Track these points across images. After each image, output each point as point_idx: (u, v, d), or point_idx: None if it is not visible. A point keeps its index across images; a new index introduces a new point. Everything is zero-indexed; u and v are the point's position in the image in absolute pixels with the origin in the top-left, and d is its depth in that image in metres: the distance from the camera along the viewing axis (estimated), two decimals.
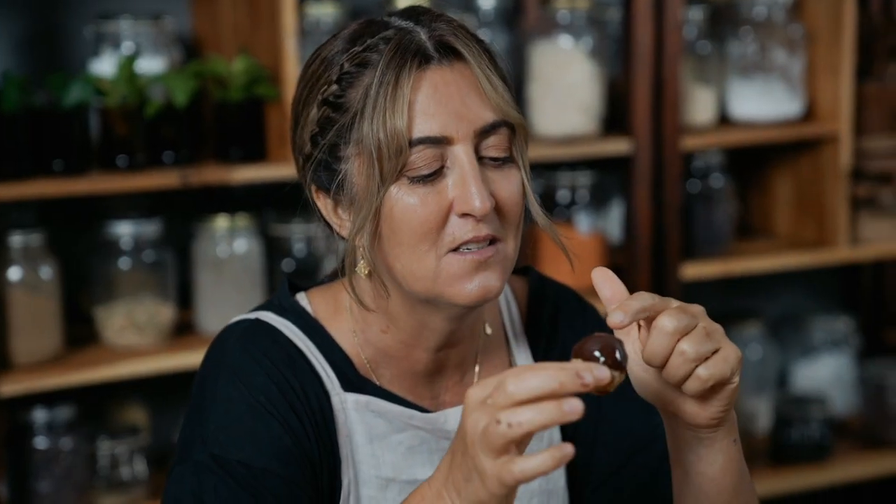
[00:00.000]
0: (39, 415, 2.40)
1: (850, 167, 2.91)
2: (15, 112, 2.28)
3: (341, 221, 1.34)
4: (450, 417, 1.40)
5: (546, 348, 1.49)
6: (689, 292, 2.91)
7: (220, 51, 2.57)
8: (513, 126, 1.31)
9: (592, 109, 2.72)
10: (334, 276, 1.45)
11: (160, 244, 2.49)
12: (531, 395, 1.06)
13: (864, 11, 3.11)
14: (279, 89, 2.43)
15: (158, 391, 2.62)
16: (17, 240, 2.34)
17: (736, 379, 1.22)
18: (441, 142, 1.27)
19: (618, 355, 1.14)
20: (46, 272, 2.37)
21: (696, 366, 1.20)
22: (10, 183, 2.27)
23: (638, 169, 2.73)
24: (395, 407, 1.38)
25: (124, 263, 2.47)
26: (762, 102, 2.89)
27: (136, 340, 2.44)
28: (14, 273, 2.34)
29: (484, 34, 2.87)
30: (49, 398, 2.41)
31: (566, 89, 2.70)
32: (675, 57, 2.71)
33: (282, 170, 2.43)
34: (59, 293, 2.39)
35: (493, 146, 1.29)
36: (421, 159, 1.28)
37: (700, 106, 2.86)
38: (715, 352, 1.21)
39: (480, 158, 1.29)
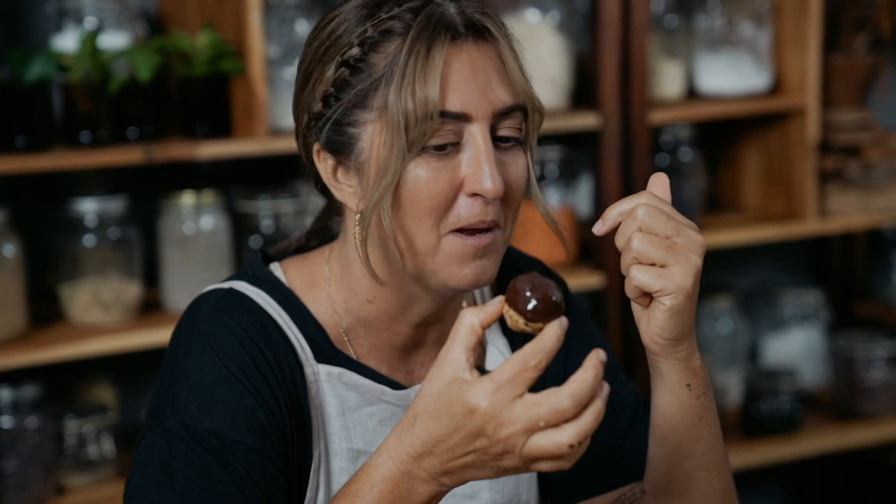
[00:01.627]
0: (4, 394, 2.38)
1: (817, 140, 2.91)
2: None
3: (339, 185, 1.34)
4: (414, 394, 1.39)
5: None
6: None
7: (185, 26, 2.55)
8: (525, 111, 1.32)
9: (560, 84, 2.71)
10: (302, 248, 1.45)
11: (125, 221, 2.47)
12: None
13: None
14: (244, 64, 2.41)
15: (126, 370, 2.61)
16: None
17: (667, 301, 1.24)
18: (461, 118, 1.28)
19: (553, 298, 1.16)
20: (9, 250, 2.35)
21: (636, 263, 1.24)
22: None
23: (606, 143, 2.72)
24: (366, 381, 1.38)
25: (89, 241, 2.45)
26: (730, 76, 2.89)
27: (102, 318, 2.42)
28: None
29: None
30: (15, 377, 2.39)
31: (533, 63, 2.62)
32: (642, 31, 2.70)
33: (247, 145, 2.41)
34: (23, 271, 2.37)
35: (508, 127, 1.30)
36: (440, 133, 1.28)
37: (668, 80, 2.86)
38: (664, 265, 1.23)
39: (494, 139, 1.30)
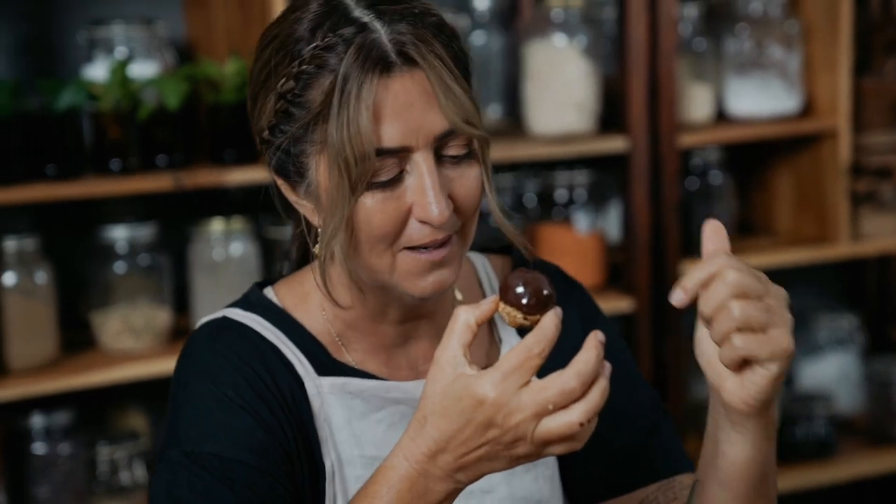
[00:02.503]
0: (37, 420, 2.40)
1: (849, 162, 2.89)
2: (7, 117, 2.28)
3: (300, 201, 1.34)
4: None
5: None
6: None
7: (213, 54, 2.58)
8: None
9: (588, 107, 2.71)
10: (297, 267, 1.46)
11: (155, 248, 2.49)
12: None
13: (862, 6, 3.10)
14: None
15: (158, 396, 2.60)
16: (11, 245, 2.35)
17: (773, 368, 1.18)
18: (401, 151, 1.27)
19: (545, 291, 1.19)
20: (41, 277, 2.38)
21: (737, 331, 1.16)
22: (3, 188, 2.27)
23: (635, 167, 2.72)
24: (371, 382, 1.38)
25: (120, 268, 2.47)
26: (760, 99, 2.88)
27: (133, 345, 2.44)
28: (8, 278, 2.35)
29: (479, 35, 2.88)
30: (47, 404, 2.41)
31: (561, 87, 2.69)
32: (670, 54, 2.70)
33: None
34: (54, 298, 2.40)
35: (453, 146, 1.29)
36: (381, 167, 1.27)
37: (697, 103, 2.85)
38: (764, 330, 1.17)
39: (440, 157, 1.29)
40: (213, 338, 1.37)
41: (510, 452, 1.17)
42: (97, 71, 2.42)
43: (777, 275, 3.26)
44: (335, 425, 1.36)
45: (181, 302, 2.56)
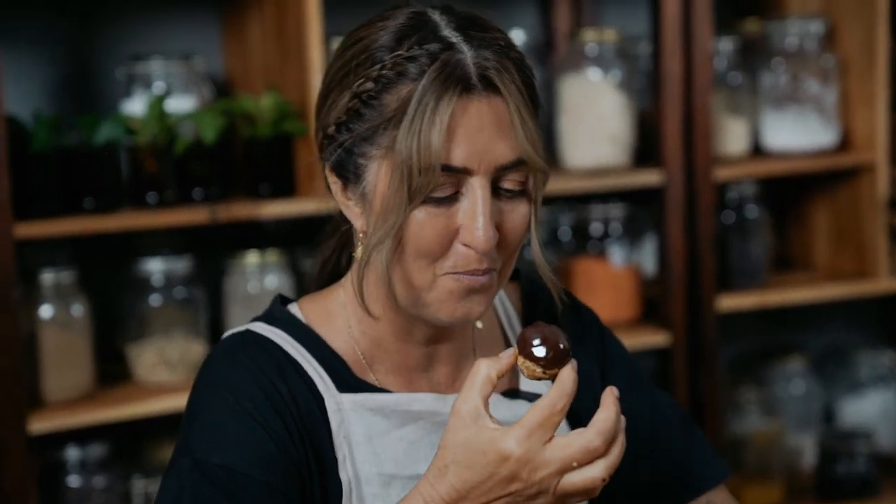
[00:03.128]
0: (72, 452, 2.41)
1: (887, 197, 2.87)
2: (45, 151, 2.31)
3: (348, 203, 1.36)
4: (449, 401, 1.41)
5: None
6: (726, 325, 2.88)
7: (250, 88, 2.60)
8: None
9: (623, 141, 2.71)
10: (321, 287, 1.48)
11: (191, 281, 2.51)
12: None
13: None
14: (307, 125, 2.44)
15: None
16: (48, 277, 2.37)
17: None
18: (462, 171, 1.28)
19: (561, 346, 1.25)
20: (78, 309, 2.39)
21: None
22: (41, 221, 2.29)
23: (670, 200, 2.71)
24: (393, 396, 1.39)
25: (155, 300, 2.49)
26: (796, 133, 2.87)
27: (168, 377, 2.45)
28: (45, 311, 2.36)
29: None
30: (82, 436, 2.42)
31: (596, 121, 2.69)
32: (705, 88, 2.70)
33: (311, 204, 2.44)
34: (90, 330, 2.41)
35: (511, 180, 1.31)
36: (440, 183, 1.28)
37: (733, 137, 2.84)
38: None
39: (496, 189, 1.31)
40: (235, 350, 1.38)
41: (530, 503, 1.23)
42: (136, 106, 2.44)
43: (816, 310, 3.27)
44: (354, 442, 1.37)
45: (216, 335, 2.57)
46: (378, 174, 1.30)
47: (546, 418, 1.20)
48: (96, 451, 2.43)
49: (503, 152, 1.29)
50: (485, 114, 1.28)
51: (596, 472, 1.20)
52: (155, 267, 2.48)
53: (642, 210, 2.88)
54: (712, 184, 2.73)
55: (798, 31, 2.89)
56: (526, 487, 1.21)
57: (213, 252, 2.60)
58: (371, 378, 1.41)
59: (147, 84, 2.46)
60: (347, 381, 1.39)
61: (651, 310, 2.81)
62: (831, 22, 2.92)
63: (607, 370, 1.54)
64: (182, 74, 2.48)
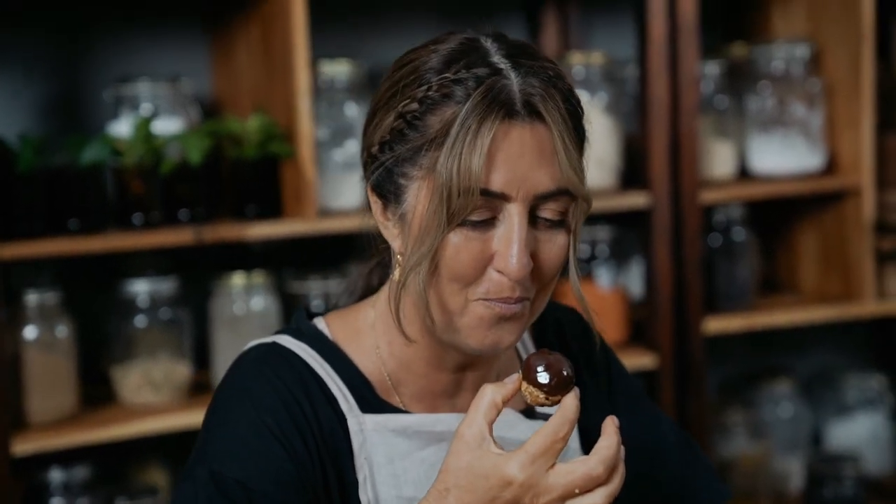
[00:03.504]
0: (56, 475, 2.40)
1: (873, 220, 2.88)
2: (30, 172, 2.30)
3: (387, 223, 1.36)
4: None
5: None
6: (713, 347, 2.88)
7: (238, 109, 2.60)
8: (571, 194, 1.31)
9: (609, 164, 2.72)
10: (351, 301, 1.49)
11: (176, 302, 2.50)
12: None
13: (886, 64, 3.10)
14: (293, 147, 2.44)
15: (178, 452, 2.61)
16: (32, 298, 2.36)
17: None
18: (500, 197, 1.28)
19: (565, 373, 1.26)
20: (62, 331, 2.39)
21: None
22: (26, 242, 2.29)
23: (657, 223, 2.72)
24: (416, 417, 1.39)
25: (140, 322, 2.48)
26: (783, 156, 2.88)
27: (153, 399, 2.44)
28: (30, 332, 2.36)
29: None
30: (66, 458, 2.41)
31: None
32: (691, 112, 2.71)
33: (297, 226, 2.44)
34: (75, 352, 2.41)
35: (550, 209, 1.30)
36: (478, 207, 1.28)
37: (719, 160, 2.85)
38: None
39: (534, 218, 1.30)
40: (261, 361, 1.38)
41: None
42: (122, 127, 2.44)
43: (803, 333, 3.27)
44: (376, 464, 1.37)
45: (202, 356, 2.57)
46: (418, 196, 1.30)
47: (549, 445, 1.22)
48: (80, 473, 2.42)
49: (543, 181, 1.28)
50: (527, 141, 1.28)
51: (597, 500, 1.22)
52: (140, 288, 2.48)
53: (629, 232, 2.88)
54: (699, 207, 2.74)
55: (784, 55, 2.90)
56: None
57: (198, 273, 2.60)
58: (395, 400, 1.40)
59: (134, 106, 2.47)
60: (371, 401, 1.39)
61: (638, 332, 2.81)
62: (817, 46, 2.94)
63: (612, 395, 1.55)
64: (169, 96, 2.48)
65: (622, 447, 1.25)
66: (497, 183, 1.27)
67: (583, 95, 2.68)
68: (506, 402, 1.25)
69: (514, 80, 1.29)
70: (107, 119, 2.50)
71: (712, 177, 2.83)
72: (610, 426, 1.25)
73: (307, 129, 2.43)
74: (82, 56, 2.64)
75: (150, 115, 2.42)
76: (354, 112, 2.55)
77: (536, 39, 2.97)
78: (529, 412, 1.45)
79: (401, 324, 1.35)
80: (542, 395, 1.25)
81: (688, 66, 2.70)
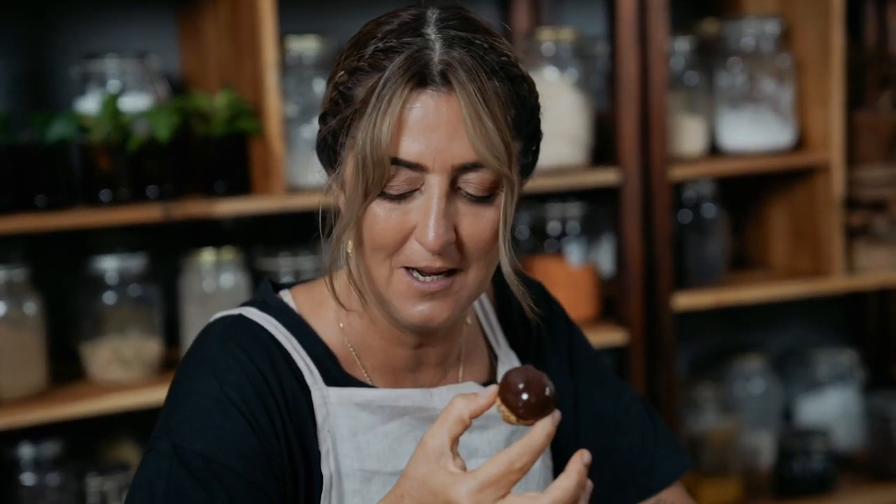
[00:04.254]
0: (26, 451, 2.40)
1: (843, 196, 2.89)
2: None
3: (339, 196, 1.35)
4: (435, 396, 1.41)
5: (523, 339, 1.53)
6: (683, 323, 2.90)
7: (206, 86, 2.60)
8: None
9: (580, 140, 2.72)
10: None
11: (146, 279, 2.50)
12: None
13: (856, 41, 3.11)
14: (262, 123, 2.44)
15: (148, 428, 2.59)
16: (0, 275, 2.35)
17: None
18: (416, 168, 1.27)
19: (547, 392, 1.17)
20: (30, 307, 2.39)
21: None
22: None
23: (627, 199, 2.72)
24: (379, 391, 1.39)
25: (109, 298, 2.48)
26: (752, 132, 2.89)
27: (122, 376, 2.44)
28: None
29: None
30: (36, 434, 2.41)
31: (552, 120, 2.69)
32: (661, 88, 2.71)
33: (265, 202, 2.44)
34: (44, 329, 2.41)
35: (473, 183, 1.28)
36: (396, 179, 1.28)
37: (689, 136, 2.86)
38: None
39: (457, 188, 1.29)
40: (227, 334, 1.37)
41: None
42: (90, 104, 2.44)
43: (773, 309, 3.28)
44: (339, 437, 1.36)
45: (171, 333, 2.57)
46: (348, 168, 1.31)
47: (503, 475, 1.16)
48: (50, 449, 2.42)
49: (460, 152, 1.27)
50: (443, 111, 1.26)
51: None
52: (109, 265, 2.48)
53: (600, 209, 2.89)
54: (669, 183, 2.75)
55: (754, 31, 2.90)
56: None
57: (167, 250, 2.60)
58: (359, 373, 1.40)
59: (102, 82, 2.46)
60: (335, 374, 1.38)
61: (608, 308, 2.82)
62: (787, 22, 2.94)
63: (574, 366, 1.55)
64: (137, 73, 2.48)
65: (589, 483, 1.19)
66: (410, 153, 1.26)
67: (553, 72, 2.72)
68: (475, 417, 1.20)
69: (436, 51, 1.27)
70: (74, 96, 2.50)
71: (682, 153, 2.84)
72: (576, 464, 1.18)
73: (275, 105, 2.43)
74: (49, 32, 2.63)
75: (118, 92, 2.41)
76: (323, 88, 2.53)
77: (507, 16, 2.97)
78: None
79: (336, 296, 1.35)
80: (513, 417, 1.18)
81: (657, 42, 2.70)
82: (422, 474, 1.19)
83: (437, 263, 1.29)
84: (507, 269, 1.31)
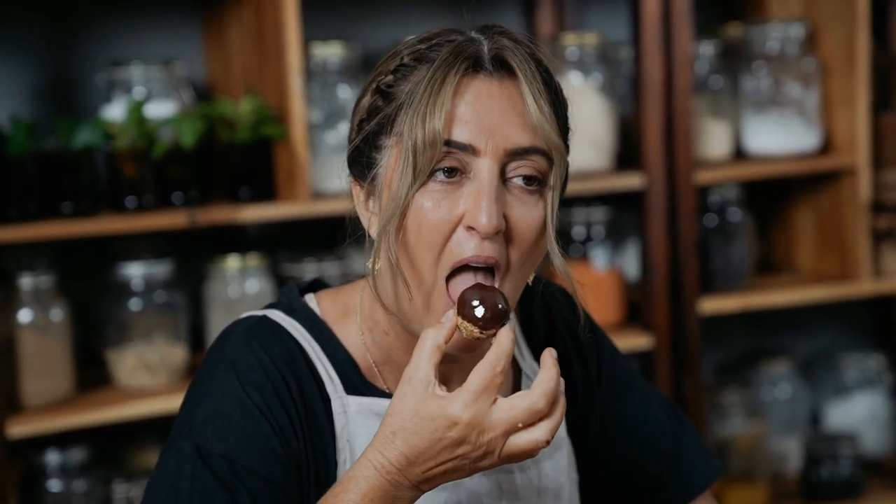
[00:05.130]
0: (52, 457, 2.41)
1: (869, 199, 2.88)
2: (22, 155, 2.31)
3: (370, 215, 1.34)
4: None
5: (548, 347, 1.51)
6: (709, 328, 2.89)
7: (231, 92, 2.61)
8: (548, 155, 1.28)
9: (604, 144, 2.72)
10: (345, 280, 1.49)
11: (171, 285, 2.51)
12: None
13: (881, 44, 3.10)
14: (286, 129, 2.44)
15: None
16: (26, 282, 2.37)
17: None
18: (467, 150, 1.26)
19: (500, 306, 1.24)
20: (56, 314, 2.40)
21: None
22: (19, 225, 2.29)
23: (652, 203, 2.71)
24: None
25: (135, 305, 2.49)
26: (778, 136, 2.88)
27: (148, 382, 2.45)
28: (24, 315, 2.37)
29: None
30: (62, 441, 2.42)
31: (577, 125, 2.69)
32: (685, 92, 2.70)
33: (290, 208, 2.44)
34: (70, 335, 2.41)
35: (523, 170, 1.28)
36: (446, 161, 1.27)
37: (714, 140, 2.85)
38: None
39: (507, 179, 1.28)
40: (250, 334, 1.37)
41: (476, 465, 1.23)
42: (115, 111, 2.45)
43: (800, 313, 3.26)
44: (357, 446, 1.36)
45: (197, 339, 2.58)
46: (389, 164, 1.29)
47: (489, 380, 1.22)
48: (76, 455, 2.42)
49: (513, 136, 1.26)
50: (496, 94, 1.27)
51: (539, 435, 1.22)
52: (135, 271, 2.48)
53: (625, 213, 2.88)
54: (694, 187, 2.73)
55: (779, 34, 2.89)
56: (473, 450, 1.22)
57: (193, 257, 2.61)
58: (380, 383, 1.40)
59: (127, 89, 2.47)
60: (356, 383, 1.38)
61: (634, 313, 2.81)
62: (812, 25, 2.93)
63: (602, 377, 1.54)
64: (162, 79, 2.48)
65: (562, 380, 1.25)
66: (463, 134, 1.26)
67: (577, 77, 2.72)
68: (448, 342, 1.24)
69: (484, 42, 1.29)
70: (100, 102, 2.51)
71: (707, 157, 2.83)
72: (548, 359, 1.24)
73: (300, 111, 2.43)
74: (75, 39, 2.64)
75: (143, 99, 2.42)
76: (347, 94, 2.55)
77: (531, 20, 2.97)
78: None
79: (382, 301, 1.34)
80: (476, 330, 1.24)
81: (682, 46, 2.69)
82: (412, 406, 1.22)
83: (486, 252, 1.26)
84: (558, 261, 1.32)
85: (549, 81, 1.31)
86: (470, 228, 1.27)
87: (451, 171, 1.27)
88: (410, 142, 1.25)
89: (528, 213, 1.29)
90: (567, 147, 1.35)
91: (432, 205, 1.27)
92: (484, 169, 1.26)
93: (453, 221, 1.28)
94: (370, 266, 1.33)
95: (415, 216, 1.28)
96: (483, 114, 1.26)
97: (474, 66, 1.27)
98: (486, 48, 1.28)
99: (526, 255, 1.30)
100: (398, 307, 1.33)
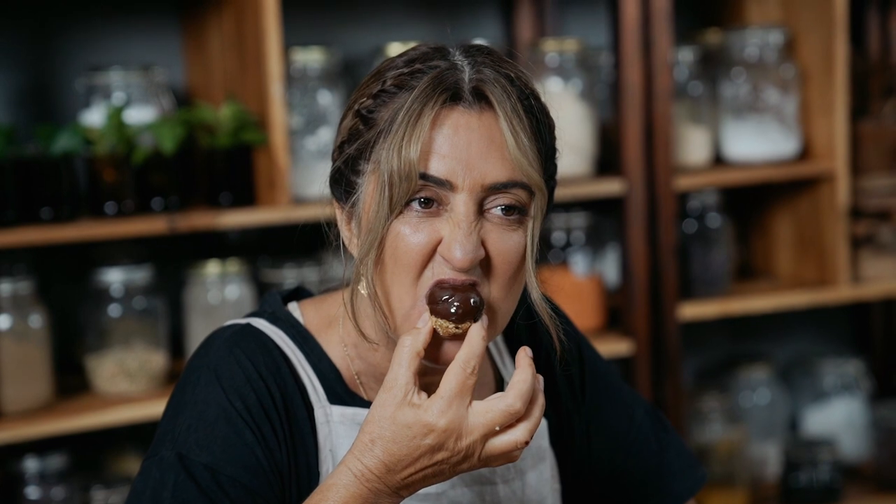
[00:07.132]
0: (31, 464, 2.40)
1: (848, 205, 2.89)
2: (1, 161, 2.30)
3: (351, 235, 1.33)
4: None
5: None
6: (689, 333, 2.89)
7: (211, 98, 2.60)
8: (528, 188, 1.27)
9: (584, 150, 2.72)
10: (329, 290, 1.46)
11: (151, 291, 2.50)
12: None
13: (860, 51, 3.11)
14: (266, 135, 2.44)
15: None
16: (5, 288, 2.36)
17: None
18: (444, 185, 1.25)
19: (472, 300, 1.24)
20: (36, 320, 2.38)
21: None
22: None
23: (631, 209, 2.72)
24: None
25: (115, 311, 2.48)
26: (757, 142, 2.89)
27: (128, 388, 2.44)
28: (3, 321, 2.35)
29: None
30: (41, 447, 2.41)
31: (558, 132, 2.70)
32: (665, 98, 2.71)
33: (270, 214, 2.44)
34: (49, 341, 2.40)
35: (502, 203, 1.26)
36: (422, 193, 1.26)
37: (693, 146, 2.86)
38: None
39: (484, 211, 1.27)
40: (233, 342, 1.36)
41: (455, 469, 1.24)
42: (95, 116, 2.44)
43: (779, 319, 3.28)
44: (340, 455, 1.35)
45: (176, 345, 2.57)
46: (367, 191, 1.28)
47: (461, 383, 1.22)
48: (55, 462, 2.41)
49: (491, 171, 1.25)
50: (474, 128, 1.25)
51: (518, 436, 1.23)
52: (114, 277, 2.47)
53: (604, 219, 2.89)
54: (673, 193, 2.74)
55: (758, 41, 2.90)
56: (452, 455, 1.23)
57: (172, 262, 2.60)
58: (363, 393, 1.39)
59: (107, 95, 2.46)
60: (339, 393, 1.37)
61: (614, 318, 2.82)
62: (791, 32, 2.95)
63: (585, 386, 1.54)
64: (141, 85, 2.48)
65: (539, 378, 1.25)
66: (439, 169, 1.24)
67: (557, 83, 2.72)
68: (425, 347, 1.24)
69: (466, 71, 1.27)
70: (79, 108, 2.50)
71: (687, 163, 2.84)
72: (524, 359, 1.24)
73: (280, 116, 2.43)
74: (54, 45, 2.63)
75: (123, 104, 2.41)
76: (328, 100, 2.55)
77: (510, 26, 2.97)
78: None
79: (359, 325, 1.33)
80: (451, 326, 1.25)
81: (661, 52, 2.70)
82: (390, 413, 1.23)
83: (462, 277, 1.26)
84: (535, 294, 1.29)
85: (531, 108, 1.28)
86: (447, 259, 1.27)
87: (427, 202, 1.26)
88: (386, 174, 1.25)
89: (507, 245, 1.27)
90: (554, 172, 1.34)
91: (410, 230, 1.27)
92: (460, 203, 1.25)
93: (432, 246, 1.27)
94: (348, 297, 1.33)
95: (393, 242, 1.27)
96: (461, 147, 1.25)
97: (453, 97, 1.26)
98: (466, 78, 1.26)
99: (506, 281, 1.28)
100: (378, 326, 1.33)
